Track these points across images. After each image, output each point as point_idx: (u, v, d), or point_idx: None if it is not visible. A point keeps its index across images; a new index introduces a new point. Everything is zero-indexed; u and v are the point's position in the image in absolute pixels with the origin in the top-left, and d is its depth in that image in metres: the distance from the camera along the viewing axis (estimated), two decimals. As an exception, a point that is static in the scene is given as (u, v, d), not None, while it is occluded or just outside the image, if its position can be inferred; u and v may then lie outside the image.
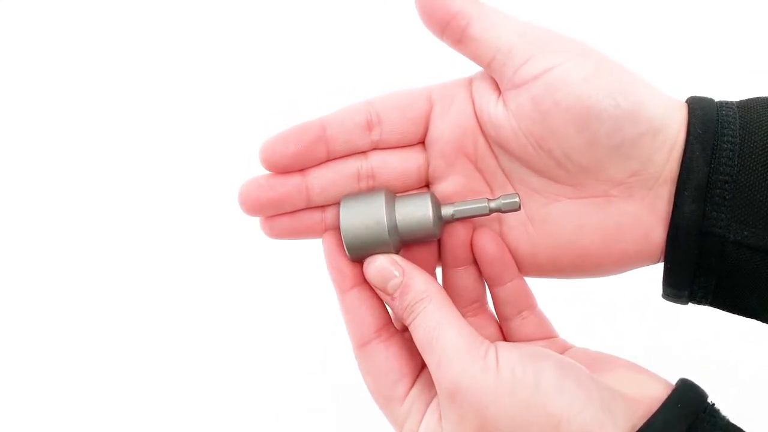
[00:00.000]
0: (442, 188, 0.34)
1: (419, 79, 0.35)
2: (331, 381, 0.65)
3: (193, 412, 0.65)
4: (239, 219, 0.35)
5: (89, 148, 0.77)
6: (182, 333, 0.68)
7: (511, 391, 0.28)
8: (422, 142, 0.35)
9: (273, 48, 0.81)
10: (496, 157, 0.34)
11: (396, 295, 0.32)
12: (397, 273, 0.32)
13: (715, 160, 0.30)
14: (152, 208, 0.73)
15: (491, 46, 0.31)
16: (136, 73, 0.81)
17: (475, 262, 0.35)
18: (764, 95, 0.32)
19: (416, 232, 0.33)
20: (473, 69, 0.34)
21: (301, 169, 0.33)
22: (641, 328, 0.63)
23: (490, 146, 0.34)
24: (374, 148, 0.34)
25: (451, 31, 0.32)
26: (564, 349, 0.35)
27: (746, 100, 0.32)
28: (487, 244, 0.34)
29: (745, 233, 0.30)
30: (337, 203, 0.34)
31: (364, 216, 0.32)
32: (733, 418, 0.29)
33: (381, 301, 0.33)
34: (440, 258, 0.35)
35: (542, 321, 0.36)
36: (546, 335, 0.35)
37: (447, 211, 0.33)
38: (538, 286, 0.36)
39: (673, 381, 0.31)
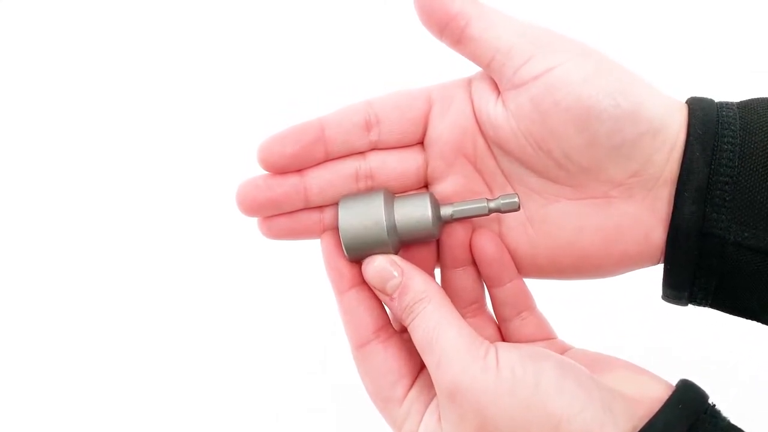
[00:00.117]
0: (441, 189, 0.34)
1: (418, 80, 0.35)
2: (331, 381, 0.65)
3: (194, 412, 0.64)
4: (237, 219, 0.35)
5: (88, 148, 0.77)
6: (182, 334, 0.68)
7: (511, 391, 0.28)
8: (421, 143, 0.35)
9: (272, 48, 0.80)
10: (495, 158, 0.34)
11: (395, 295, 0.32)
12: (396, 273, 0.32)
13: (715, 161, 0.30)
14: (150, 209, 0.73)
15: (491, 47, 0.31)
16: (135, 73, 0.81)
17: (474, 263, 0.35)
18: (764, 95, 0.32)
19: (415, 232, 0.33)
20: (472, 69, 0.34)
21: (299, 170, 0.33)
22: (641, 328, 0.63)
23: (489, 147, 0.34)
24: (373, 149, 0.34)
25: (451, 31, 0.32)
26: (563, 350, 0.35)
27: (746, 100, 0.32)
28: (486, 244, 0.34)
29: (746, 234, 0.30)
30: (336, 204, 0.34)
31: (363, 216, 0.32)
32: (733, 419, 0.29)
33: (379, 301, 0.33)
34: (439, 259, 0.35)
35: (541, 322, 0.36)
36: (545, 336, 0.35)
37: (446, 211, 0.33)
38: (537, 287, 0.35)
39: (674, 382, 0.31)
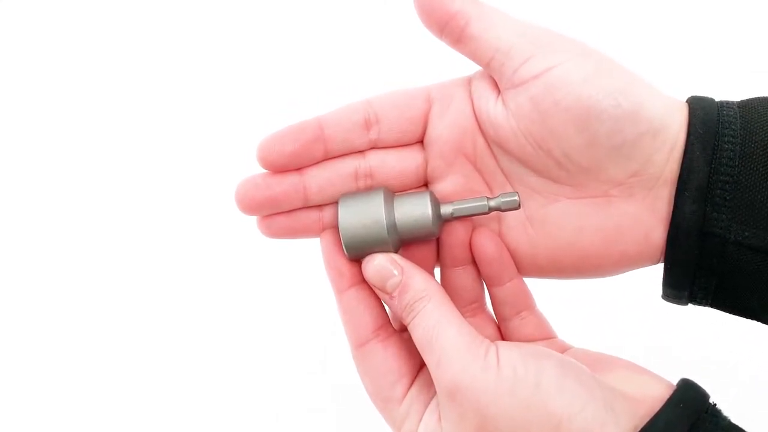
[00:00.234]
0: (440, 188, 0.34)
1: (418, 79, 0.35)
2: (331, 381, 0.65)
3: (194, 412, 0.64)
4: (236, 218, 0.35)
5: (88, 148, 0.77)
6: (181, 333, 0.68)
7: (512, 390, 0.28)
8: (421, 142, 0.34)
9: (272, 47, 0.80)
10: (495, 157, 0.34)
11: (395, 294, 0.31)
12: (396, 272, 0.32)
13: (715, 161, 0.30)
14: (150, 208, 0.73)
15: (490, 46, 0.31)
16: (134, 73, 0.81)
17: (474, 262, 0.35)
18: (765, 95, 0.32)
19: (415, 230, 0.33)
20: (472, 68, 0.34)
21: (299, 168, 0.33)
22: (641, 328, 0.63)
23: (489, 146, 0.34)
24: (372, 148, 0.34)
25: (450, 30, 0.32)
26: (563, 349, 0.35)
27: (747, 100, 0.32)
28: (486, 243, 0.34)
29: (746, 234, 0.30)
30: (335, 202, 0.34)
31: (363, 215, 0.32)
32: (734, 419, 0.29)
33: (379, 300, 0.33)
34: (439, 257, 0.35)
35: (541, 321, 0.35)
36: (545, 336, 0.35)
37: (446, 209, 0.33)
38: (537, 286, 0.35)
39: (674, 381, 0.31)
